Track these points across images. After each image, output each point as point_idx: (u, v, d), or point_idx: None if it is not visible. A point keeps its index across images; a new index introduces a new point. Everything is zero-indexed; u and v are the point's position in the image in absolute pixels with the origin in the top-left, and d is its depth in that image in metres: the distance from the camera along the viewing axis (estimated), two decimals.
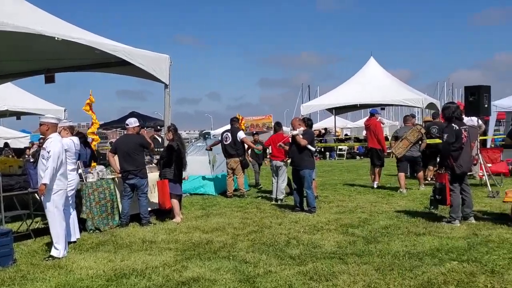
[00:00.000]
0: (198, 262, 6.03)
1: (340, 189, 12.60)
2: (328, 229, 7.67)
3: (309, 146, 9.09)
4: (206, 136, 14.08)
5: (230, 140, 11.56)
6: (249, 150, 13.46)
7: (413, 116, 13.74)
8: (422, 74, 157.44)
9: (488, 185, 10.78)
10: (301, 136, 9.03)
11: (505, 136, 13.78)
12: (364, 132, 17.70)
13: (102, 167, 8.93)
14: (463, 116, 11.20)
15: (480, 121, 11.20)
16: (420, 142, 11.49)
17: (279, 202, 10.42)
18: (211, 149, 12.32)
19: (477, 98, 10.33)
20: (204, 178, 12.22)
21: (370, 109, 14.38)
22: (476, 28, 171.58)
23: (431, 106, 22.76)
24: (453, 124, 7.72)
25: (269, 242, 6.93)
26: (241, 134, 11.71)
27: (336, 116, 31.21)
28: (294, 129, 9.27)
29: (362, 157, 25.53)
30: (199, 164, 12.13)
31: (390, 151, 18.35)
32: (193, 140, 19.11)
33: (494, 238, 6.54)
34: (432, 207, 8.78)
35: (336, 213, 9.09)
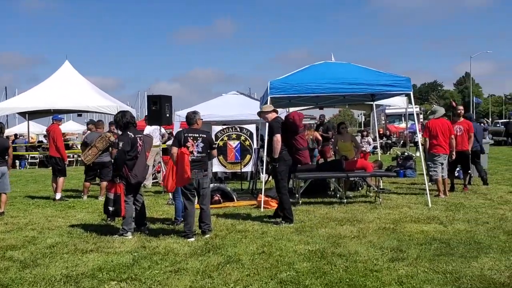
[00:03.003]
0: None
1: (18, 203, 11.15)
2: None
3: None
4: None
5: None
6: None
7: (111, 123, 13.04)
8: (128, 84, 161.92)
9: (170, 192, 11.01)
10: None
11: None
12: None
13: None
14: (147, 125, 11.34)
15: (163, 130, 11.42)
16: (110, 150, 11.11)
17: None
18: None
19: (159, 108, 10.45)
20: None
21: (54, 115, 13.04)
22: (176, 45, 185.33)
23: None
24: (128, 132, 7.45)
25: None
26: None
27: (32, 121, 28.84)
28: None
29: None
30: None
31: (80, 158, 17.40)
32: None
33: (160, 250, 6.41)
34: (110, 219, 8.39)
35: (1, 232, 7.84)
